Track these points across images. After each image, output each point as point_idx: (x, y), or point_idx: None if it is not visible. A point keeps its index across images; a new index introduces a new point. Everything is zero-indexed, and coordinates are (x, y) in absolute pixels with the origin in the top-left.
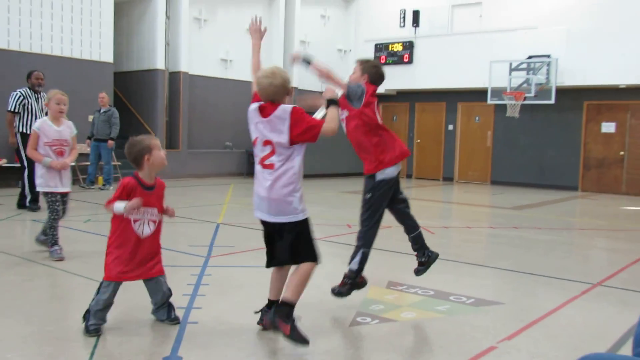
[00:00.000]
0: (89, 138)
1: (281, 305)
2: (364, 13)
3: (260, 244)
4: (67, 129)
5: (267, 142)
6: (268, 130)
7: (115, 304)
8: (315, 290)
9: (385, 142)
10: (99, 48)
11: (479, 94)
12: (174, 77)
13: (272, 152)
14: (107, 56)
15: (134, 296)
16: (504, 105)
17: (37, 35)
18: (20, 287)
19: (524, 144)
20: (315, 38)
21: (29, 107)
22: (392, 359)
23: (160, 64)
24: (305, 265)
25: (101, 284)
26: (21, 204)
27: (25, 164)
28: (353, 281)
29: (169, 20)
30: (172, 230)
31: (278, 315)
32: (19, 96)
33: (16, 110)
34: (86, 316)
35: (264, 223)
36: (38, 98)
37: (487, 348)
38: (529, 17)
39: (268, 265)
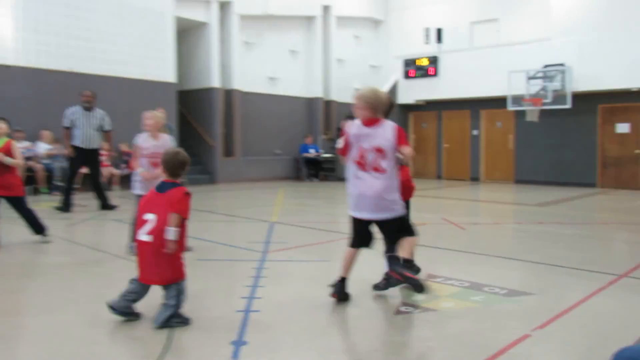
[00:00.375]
0: None
1: (405, 261)
2: (393, 32)
3: (310, 240)
4: (163, 144)
5: (378, 150)
6: (380, 139)
7: None
8: (360, 284)
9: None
10: (164, 70)
11: (499, 102)
12: (229, 94)
13: (383, 157)
14: (171, 77)
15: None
16: (523, 111)
17: (112, 61)
18: (105, 278)
19: (544, 146)
20: (350, 56)
21: (77, 122)
22: (435, 345)
23: (216, 83)
24: (411, 238)
25: (183, 285)
26: (103, 206)
27: (69, 172)
28: (389, 279)
29: (222, 44)
30: (232, 229)
31: (405, 268)
32: (69, 113)
33: (67, 126)
34: (173, 321)
35: (360, 220)
36: (88, 115)
37: (521, 336)
38: (543, 29)
39: (357, 246)
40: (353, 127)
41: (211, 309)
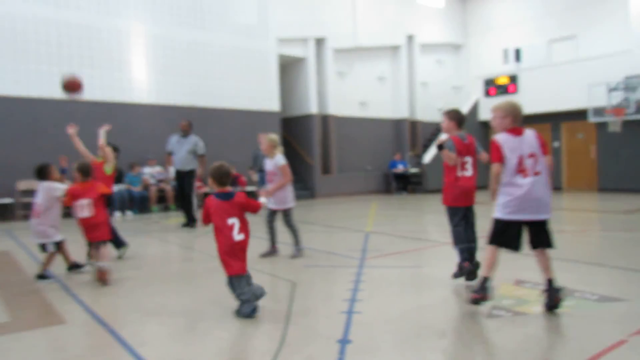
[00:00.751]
0: (251, 168)
1: (553, 285)
2: (472, 54)
3: (403, 248)
4: (275, 162)
5: (532, 155)
6: (529, 145)
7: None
8: (451, 289)
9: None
10: (270, 101)
11: (580, 114)
12: (325, 118)
13: (536, 162)
14: (275, 107)
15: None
16: (606, 122)
17: (226, 95)
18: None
19: (628, 154)
20: (433, 79)
21: (174, 148)
22: (529, 348)
23: (314, 110)
24: (548, 251)
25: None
26: (188, 221)
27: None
28: (461, 268)
29: (318, 75)
30: (332, 238)
31: (561, 291)
32: (168, 140)
33: (169, 151)
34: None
35: (516, 223)
36: (183, 141)
37: (617, 341)
38: (622, 41)
39: (503, 247)
40: (502, 139)
41: (318, 310)
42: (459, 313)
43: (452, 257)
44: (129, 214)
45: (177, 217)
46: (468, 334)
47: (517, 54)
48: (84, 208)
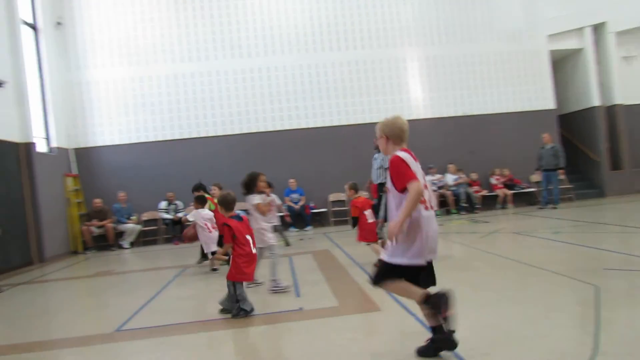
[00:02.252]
0: (537, 169)
1: None
2: None
3: None
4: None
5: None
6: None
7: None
8: None
9: None
10: (543, 100)
11: None
12: (610, 109)
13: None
14: (550, 104)
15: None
16: None
17: (496, 101)
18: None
19: None
20: None
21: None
22: None
23: (596, 102)
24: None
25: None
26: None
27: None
28: None
29: (599, 64)
30: (631, 241)
31: None
32: None
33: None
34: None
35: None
36: (376, 157)
37: None
38: None
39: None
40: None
41: (630, 317)
42: None
43: None
44: None
45: (458, 220)
46: None
47: None
48: (369, 216)
